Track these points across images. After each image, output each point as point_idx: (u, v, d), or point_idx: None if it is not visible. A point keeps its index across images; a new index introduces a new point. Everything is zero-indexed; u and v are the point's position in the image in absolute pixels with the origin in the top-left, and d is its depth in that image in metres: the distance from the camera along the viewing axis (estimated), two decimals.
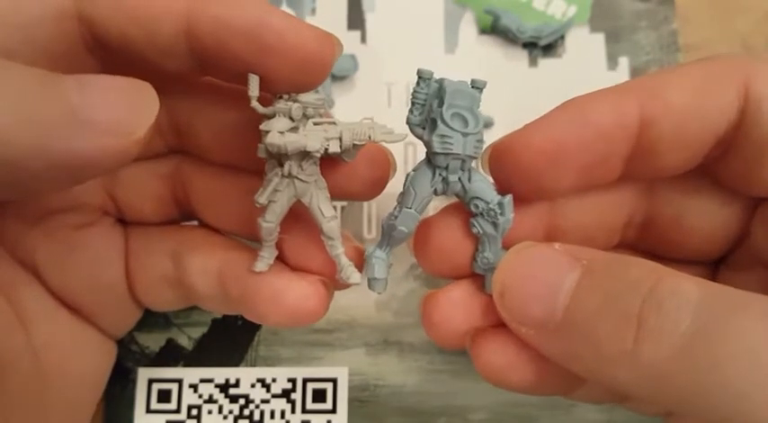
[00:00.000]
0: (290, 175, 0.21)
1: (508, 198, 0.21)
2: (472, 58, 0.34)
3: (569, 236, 0.22)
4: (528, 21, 0.34)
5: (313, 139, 0.20)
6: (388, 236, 0.21)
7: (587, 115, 0.20)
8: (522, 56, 0.34)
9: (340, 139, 0.20)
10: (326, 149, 0.20)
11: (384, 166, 0.23)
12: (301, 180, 0.21)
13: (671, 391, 0.16)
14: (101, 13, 0.19)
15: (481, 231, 0.21)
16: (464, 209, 0.21)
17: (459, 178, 0.20)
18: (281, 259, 0.24)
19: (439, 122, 0.19)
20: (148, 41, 0.19)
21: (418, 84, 0.20)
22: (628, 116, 0.19)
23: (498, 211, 0.20)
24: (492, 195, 0.21)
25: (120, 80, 0.19)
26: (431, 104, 0.20)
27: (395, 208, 0.21)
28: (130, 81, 0.19)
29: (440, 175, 0.20)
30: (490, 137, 0.32)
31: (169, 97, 0.22)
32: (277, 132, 0.20)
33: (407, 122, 0.21)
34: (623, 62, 0.34)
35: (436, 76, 0.20)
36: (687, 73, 0.20)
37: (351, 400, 0.30)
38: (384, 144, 0.21)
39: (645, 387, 0.17)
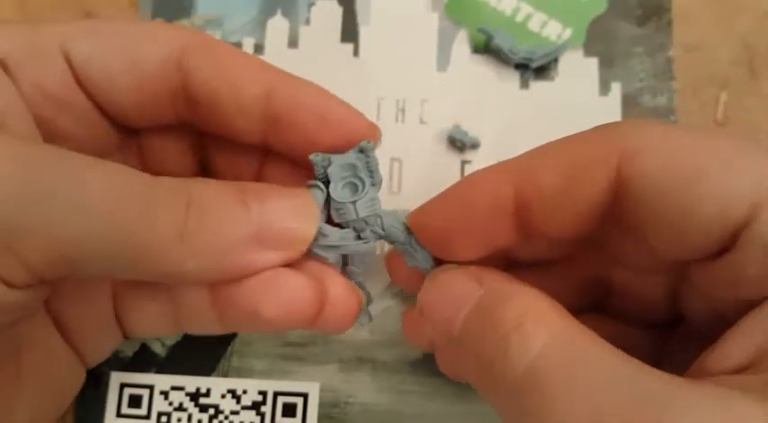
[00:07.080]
0: None
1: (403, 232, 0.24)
2: (463, 77, 0.34)
3: None
4: (522, 42, 0.34)
5: None
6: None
7: (470, 198, 0.22)
8: (513, 77, 0.34)
9: None
10: None
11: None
12: None
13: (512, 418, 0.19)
14: (199, 67, 0.23)
15: (411, 264, 0.24)
16: None
17: (373, 230, 0.23)
18: None
19: (331, 199, 0.23)
20: (231, 96, 0.23)
21: (315, 169, 0.23)
22: (504, 199, 0.21)
23: (413, 250, 0.24)
24: (402, 237, 0.24)
25: (289, 196, 0.22)
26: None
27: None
28: (295, 194, 0.22)
29: (358, 235, 0.24)
30: (477, 158, 0.33)
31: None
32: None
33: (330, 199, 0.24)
34: (615, 88, 0.33)
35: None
36: (559, 154, 0.21)
37: (321, 417, 0.30)
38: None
39: (500, 408, 0.19)
